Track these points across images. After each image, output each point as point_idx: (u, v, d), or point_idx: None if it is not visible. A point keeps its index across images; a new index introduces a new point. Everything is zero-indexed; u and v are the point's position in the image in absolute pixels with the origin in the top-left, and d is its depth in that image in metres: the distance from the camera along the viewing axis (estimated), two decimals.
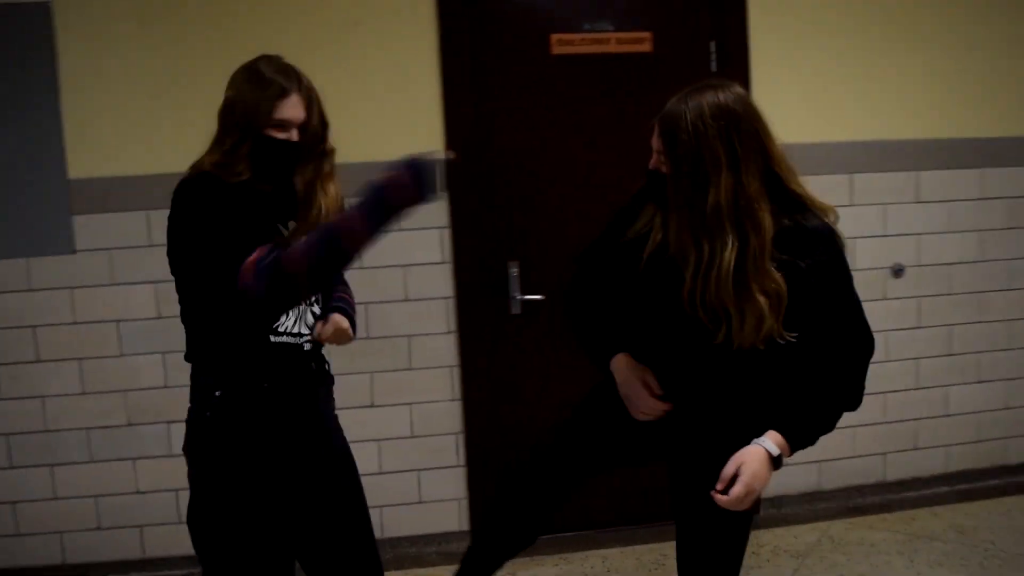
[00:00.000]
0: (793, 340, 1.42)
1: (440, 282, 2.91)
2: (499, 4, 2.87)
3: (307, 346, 1.66)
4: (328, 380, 1.79)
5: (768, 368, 1.48)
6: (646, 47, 2.90)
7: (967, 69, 3.15)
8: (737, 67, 2.95)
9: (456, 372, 2.96)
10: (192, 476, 1.61)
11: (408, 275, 2.90)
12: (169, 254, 1.57)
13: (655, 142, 1.45)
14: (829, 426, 1.48)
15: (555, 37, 2.88)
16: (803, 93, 3.05)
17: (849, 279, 1.49)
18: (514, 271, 2.93)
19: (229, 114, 1.55)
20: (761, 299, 1.37)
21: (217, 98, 1.63)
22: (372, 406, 2.95)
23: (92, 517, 2.86)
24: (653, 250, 1.51)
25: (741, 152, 1.36)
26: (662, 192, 1.44)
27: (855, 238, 3.12)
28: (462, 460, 3.00)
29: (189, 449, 1.61)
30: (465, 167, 2.84)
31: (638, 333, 1.63)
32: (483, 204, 2.90)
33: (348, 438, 2.82)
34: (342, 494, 1.75)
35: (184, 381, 1.69)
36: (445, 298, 2.92)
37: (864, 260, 3.14)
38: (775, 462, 1.42)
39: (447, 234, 2.89)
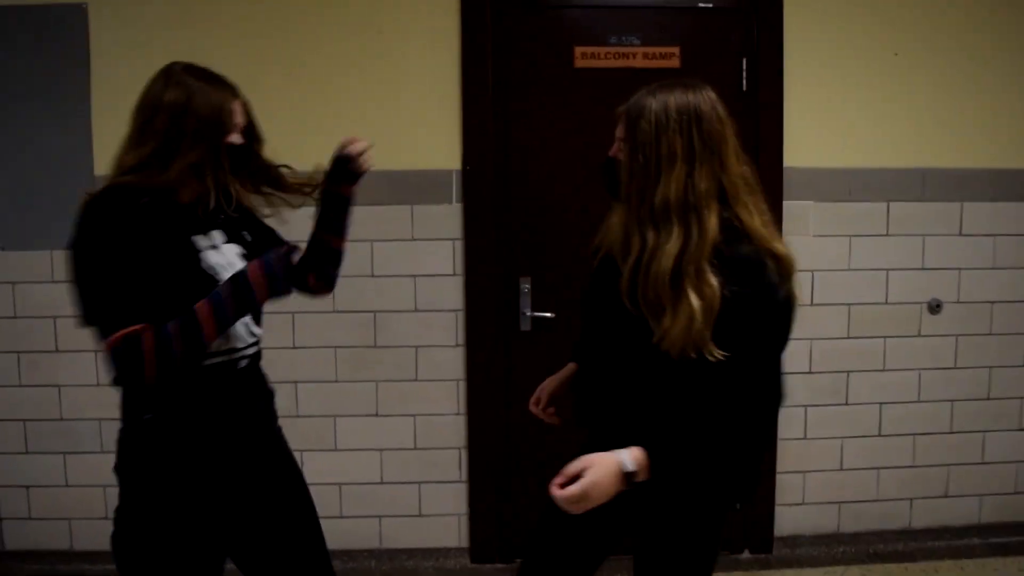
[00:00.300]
0: (722, 359, 1.33)
1: (451, 294, 2.89)
2: (523, 16, 2.82)
3: (243, 363, 1.61)
4: (267, 394, 1.74)
5: (689, 390, 1.40)
6: (674, 63, 2.82)
7: (1020, 97, 2.97)
8: (769, 86, 2.84)
9: (462, 386, 2.92)
10: (121, 496, 1.56)
11: (418, 285, 2.89)
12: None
13: (618, 130, 1.47)
14: (705, 465, 1.39)
15: (579, 50, 2.82)
16: (838, 116, 2.91)
17: (770, 318, 1.38)
18: (526, 287, 2.88)
19: (177, 116, 1.46)
20: (695, 300, 1.32)
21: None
22: (376, 415, 2.95)
23: (100, 506, 2.92)
24: (604, 251, 1.51)
25: (699, 150, 1.36)
26: (616, 180, 1.45)
27: (890, 270, 2.98)
28: (464, 475, 2.97)
29: (119, 470, 1.56)
30: (483, 179, 2.82)
31: (584, 336, 1.62)
32: (498, 218, 2.86)
33: (350, 445, 2.91)
34: (288, 508, 1.72)
35: None
36: (455, 311, 2.90)
37: (899, 294, 2.99)
38: (627, 478, 1.36)
39: (460, 246, 2.86)
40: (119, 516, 1.56)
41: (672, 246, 1.35)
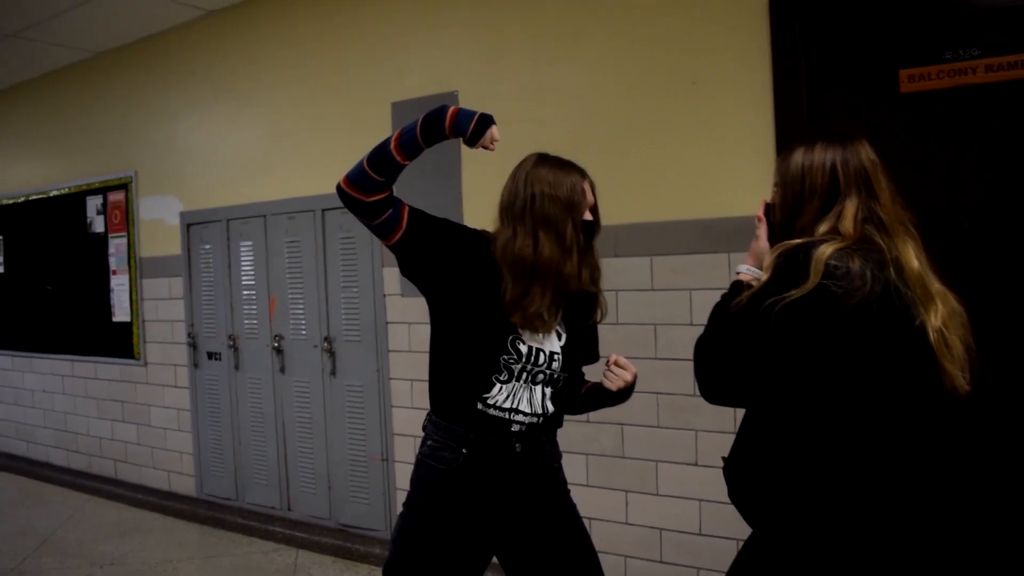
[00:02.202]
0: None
1: None
2: (839, 40, 2.63)
3: (516, 427, 1.76)
4: (533, 463, 1.80)
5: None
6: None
7: None
8: None
9: None
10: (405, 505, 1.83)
11: (694, 299, 2.89)
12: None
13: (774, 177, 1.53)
14: None
15: (905, 73, 2.53)
16: None
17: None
18: None
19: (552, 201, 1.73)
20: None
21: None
22: (696, 464, 2.95)
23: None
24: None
25: (843, 186, 1.42)
26: (773, 224, 1.50)
27: None
28: None
29: (411, 480, 1.84)
30: None
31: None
32: None
33: (671, 491, 2.90)
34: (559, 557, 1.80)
35: None
36: None
37: None
38: None
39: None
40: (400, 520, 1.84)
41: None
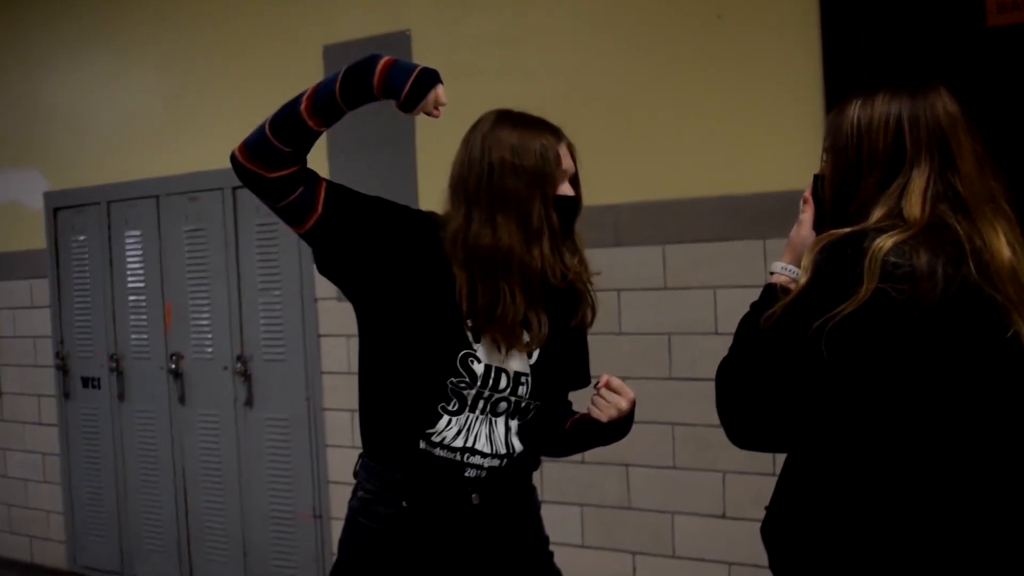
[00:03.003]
0: None
1: None
2: None
3: (471, 472, 1.73)
4: (497, 519, 1.78)
5: None
6: None
7: None
8: None
9: None
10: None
11: (720, 300, 2.85)
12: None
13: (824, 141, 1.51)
14: None
15: (993, 1, 2.54)
16: None
17: None
18: None
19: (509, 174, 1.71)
20: None
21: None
22: (723, 516, 2.94)
23: None
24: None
25: (911, 152, 1.38)
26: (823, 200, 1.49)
27: None
28: None
29: (340, 542, 1.85)
30: None
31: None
32: None
33: (691, 552, 2.89)
34: None
35: None
36: None
37: None
38: None
39: None
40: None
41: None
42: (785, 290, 1.42)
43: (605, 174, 2.96)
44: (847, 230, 1.35)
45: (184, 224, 4.12)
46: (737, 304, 1.56)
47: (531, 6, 3.21)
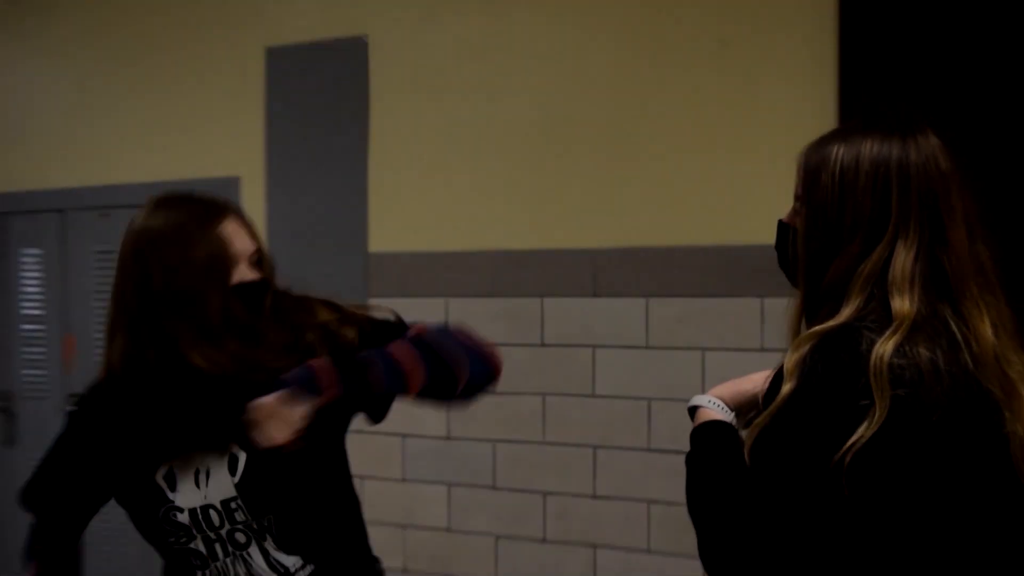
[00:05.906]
0: None
1: None
2: None
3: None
4: None
5: None
6: None
7: None
8: None
9: None
10: None
11: (709, 363, 2.75)
12: None
13: (796, 186, 1.45)
14: None
15: None
16: None
17: None
18: None
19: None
20: None
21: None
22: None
23: None
24: None
25: (896, 217, 1.33)
26: (789, 256, 1.43)
27: None
28: None
29: None
30: None
31: None
32: None
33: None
34: None
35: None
36: None
37: None
38: None
39: None
40: None
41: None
42: (730, 427, 1.41)
43: (583, 214, 3.03)
44: (833, 326, 1.30)
45: (93, 244, 3.97)
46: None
47: (504, 14, 3.17)
